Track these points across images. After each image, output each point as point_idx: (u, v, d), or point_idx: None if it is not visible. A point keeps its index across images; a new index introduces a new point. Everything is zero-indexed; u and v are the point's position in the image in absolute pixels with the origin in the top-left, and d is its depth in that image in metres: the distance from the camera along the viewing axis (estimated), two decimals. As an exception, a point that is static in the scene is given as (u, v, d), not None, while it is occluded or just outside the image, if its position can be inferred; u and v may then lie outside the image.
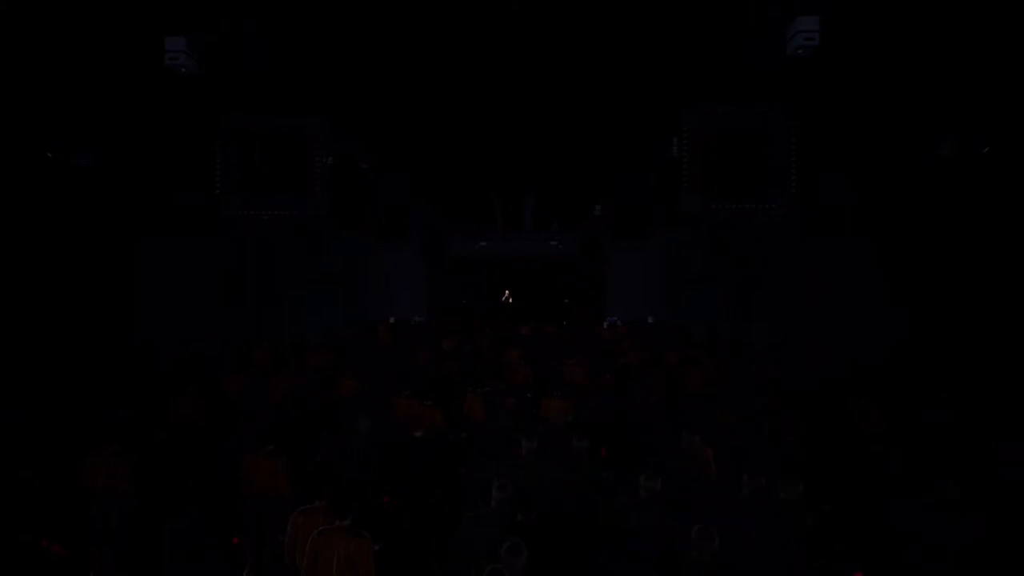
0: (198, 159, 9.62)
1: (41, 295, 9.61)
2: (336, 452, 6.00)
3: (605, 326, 17.34)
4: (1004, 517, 4.52)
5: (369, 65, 7.53)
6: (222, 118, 8.82)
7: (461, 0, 6.10)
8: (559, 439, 5.90)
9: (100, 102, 7.87)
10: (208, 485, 5.80)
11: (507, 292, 21.33)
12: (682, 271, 18.51)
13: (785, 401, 8.16)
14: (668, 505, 4.54)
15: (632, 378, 9.15)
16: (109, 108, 8.11)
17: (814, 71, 7.00)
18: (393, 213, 15.55)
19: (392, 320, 18.04)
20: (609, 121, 9.54)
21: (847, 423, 6.87)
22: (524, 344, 12.84)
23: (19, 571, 5.17)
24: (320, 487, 4.24)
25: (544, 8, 6.21)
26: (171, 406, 7.59)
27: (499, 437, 6.40)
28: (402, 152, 11.51)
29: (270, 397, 8.21)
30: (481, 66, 7.57)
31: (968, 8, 5.63)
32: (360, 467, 5.91)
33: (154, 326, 12.05)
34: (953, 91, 7.21)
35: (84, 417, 7.02)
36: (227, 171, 8.88)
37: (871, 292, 11.37)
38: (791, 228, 12.92)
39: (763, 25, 6.09)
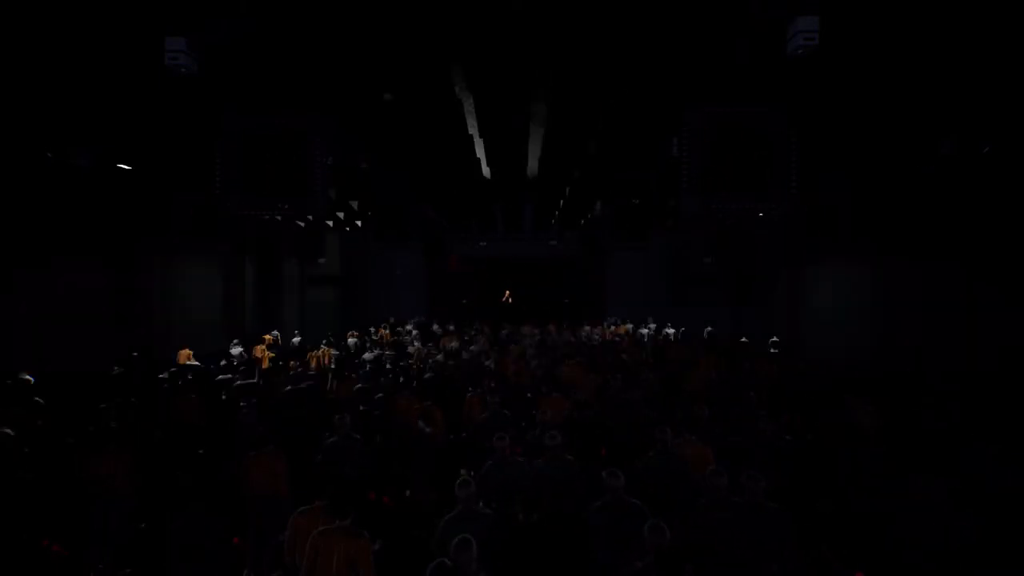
0: (198, 159, 9.62)
1: (41, 294, 9.61)
2: (336, 452, 6.01)
3: (606, 326, 17.34)
4: (1001, 518, 4.52)
5: (369, 65, 7.53)
6: (222, 118, 8.81)
7: (462, 0, 6.09)
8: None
9: (100, 102, 7.86)
10: (208, 485, 5.80)
11: (507, 292, 21.33)
12: (682, 271, 18.52)
13: (784, 401, 8.17)
14: (665, 505, 4.56)
15: (631, 377, 9.15)
16: (109, 108, 8.10)
17: (814, 71, 6.99)
18: (393, 213, 15.56)
19: (392, 320, 18.06)
20: (609, 121, 9.53)
21: (845, 423, 6.86)
22: (524, 344, 12.84)
23: (19, 571, 5.17)
24: (320, 487, 4.24)
25: (545, 8, 6.20)
26: (171, 406, 7.60)
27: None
28: (402, 152, 11.50)
29: (270, 397, 8.22)
30: (482, 66, 7.57)
31: (968, 8, 5.63)
32: (360, 467, 5.92)
33: (154, 326, 12.05)
34: (954, 91, 7.20)
35: (84, 417, 7.02)
36: (227, 171, 8.88)
37: (871, 292, 11.38)
38: (791, 228, 12.93)
39: (763, 25, 6.08)
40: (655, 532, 3.62)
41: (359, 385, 8.40)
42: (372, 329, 15.83)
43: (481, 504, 4.48)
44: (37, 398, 7.23)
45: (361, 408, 7.52)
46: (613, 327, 17.08)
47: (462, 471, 6.64)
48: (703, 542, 4.15)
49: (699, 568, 3.62)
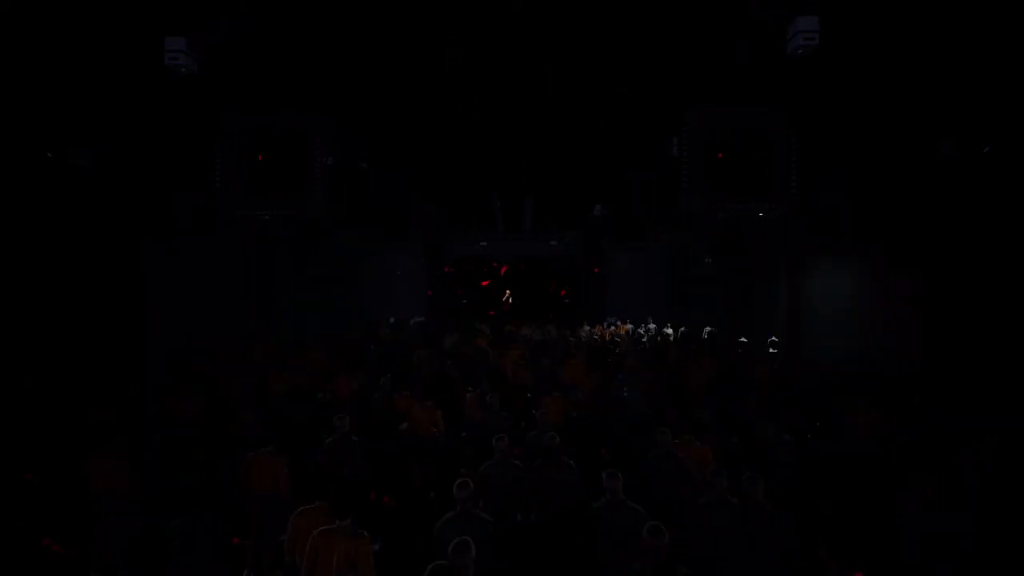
0: (198, 159, 9.62)
1: (43, 296, 9.61)
2: (336, 452, 6.01)
3: (605, 326, 17.34)
4: (999, 517, 4.52)
5: (369, 65, 7.54)
6: (222, 118, 8.81)
7: (462, 0, 6.11)
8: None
9: (100, 102, 7.87)
10: (208, 485, 5.79)
11: (507, 292, 21.33)
12: (682, 271, 18.51)
13: (784, 401, 8.16)
14: (661, 504, 4.56)
15: (632, 378, 9.14)
16: (109, 108, 8.11)
17: (814, 71, 7.00)
18: (393, 213, 15.56)
19: (392, 320, 18.05)
20: (610, 121, 9.54)
21: (845, 424, 6.86)
22: (524, 344, 12.84)
23: (20, 570, 5.17)
24: (320, 487, 4.24)
25: (546, 8, 6.21)
26: (171, 406, 7.59)
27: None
28: (402, 152, 11.51)
29: (270, 397, 8.21)
30: (482, 66, 7.58)
31: (968, 8, 5.63)
32: (360, 467, 5.92)
33: (154, 327, 12.05)
34: (954, 91, 7.20)
35: (85, 417, 7.02)
36: (227, 171, 8.88)
37: (870, 292, 11.36)
38: (791, 228, 12.92)
39: (763, 25, 6.09)
40: (654, 534, 3.62)
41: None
42: None
43: (482, 505, 4.47)
44: (39, 398, 7.23)
45: (362, 408, 7.52)
46: (613, 327, 17.07)
47: (462, 471, 6.65)
48: (701, 543, 4.15)
49: (695, 570, 3.61)
